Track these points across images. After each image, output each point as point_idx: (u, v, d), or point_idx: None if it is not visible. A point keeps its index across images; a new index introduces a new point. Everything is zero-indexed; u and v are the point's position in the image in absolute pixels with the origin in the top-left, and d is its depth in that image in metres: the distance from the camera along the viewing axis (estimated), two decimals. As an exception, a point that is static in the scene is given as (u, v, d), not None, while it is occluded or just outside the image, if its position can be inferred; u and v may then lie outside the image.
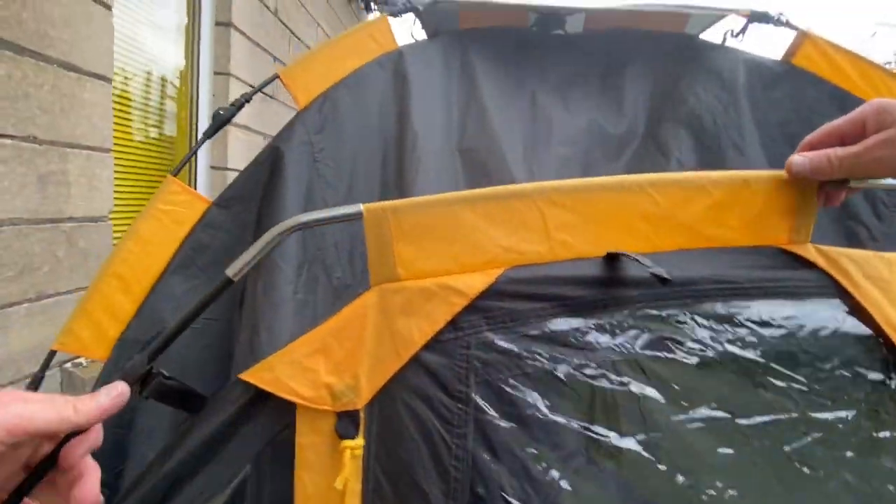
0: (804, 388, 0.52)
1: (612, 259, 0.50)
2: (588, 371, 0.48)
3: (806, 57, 1.06)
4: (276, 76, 0.94)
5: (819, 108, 1.03)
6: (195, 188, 1.81)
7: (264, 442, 0.47)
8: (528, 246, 0.49)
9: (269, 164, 0.88)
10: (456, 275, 0.46)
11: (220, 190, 1.87)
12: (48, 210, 1.11)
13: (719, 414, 0.49)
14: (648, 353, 0.49)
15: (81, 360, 1.24)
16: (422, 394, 0.44)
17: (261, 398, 0.44)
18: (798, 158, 0.46)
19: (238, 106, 0.90)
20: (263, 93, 2.09)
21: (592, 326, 0.49)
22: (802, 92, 1.05)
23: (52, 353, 0.75)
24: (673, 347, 0.51)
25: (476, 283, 0.45)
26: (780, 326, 0.53)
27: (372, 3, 3.27)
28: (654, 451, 0.48)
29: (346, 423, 0.43)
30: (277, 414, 0.45)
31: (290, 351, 0.45)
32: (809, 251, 0.51)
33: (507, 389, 0.47)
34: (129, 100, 1.51)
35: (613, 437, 0.48)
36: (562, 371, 0.48)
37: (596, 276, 0.49)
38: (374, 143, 1.02)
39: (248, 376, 0.44)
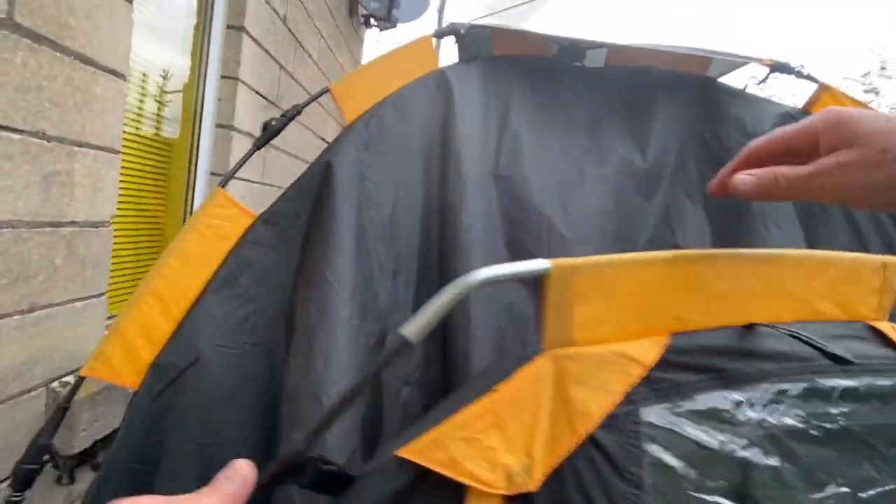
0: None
1: (748, 328, 0.50)
2: (739, 448, 0.47)
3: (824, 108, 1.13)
4: (327, 90, 0.90)
5: None
6: (194, 194, 1.71)
7: None
8: (690, 314, 0.47)
9: (320, 180, 0.84)
10: (627, 342, 0.44)
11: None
12: (49, 213, 1.01)
13: (844, 490, 0.49)
14: (786, 428, 0.49)
15: (69, 379, 1.12)
16: (596, 477, 0.40)
17: (421, 479, 0.38)
18: (743, 178, 0.40)
19: (289, 118, 0.85)
20: (266, 99, 2.02)
21: (743, 400, 0.48)
22: (821, 142, 1.12)
23: (81, 380, 0.67)
24: (805, 423, 0.50)
25: (649, 351, 0.43)
26: (884, 400, 0.54)
27: (371, 20, 3.26)
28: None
29: None
30: (441, 498, 0.39)
31: (464, 425, 0.39)
32: (887, 328, 0.55)
33: (677, 469, 0.44)
34: (131, 99, 1.41)
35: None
36: (719, 448, 0.46)
37: (743, 347, 0.49)
38: (416, 164, 1.00)
39: (414, 455, 0.38)
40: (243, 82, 1.77)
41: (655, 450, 0.44)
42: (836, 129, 0.38)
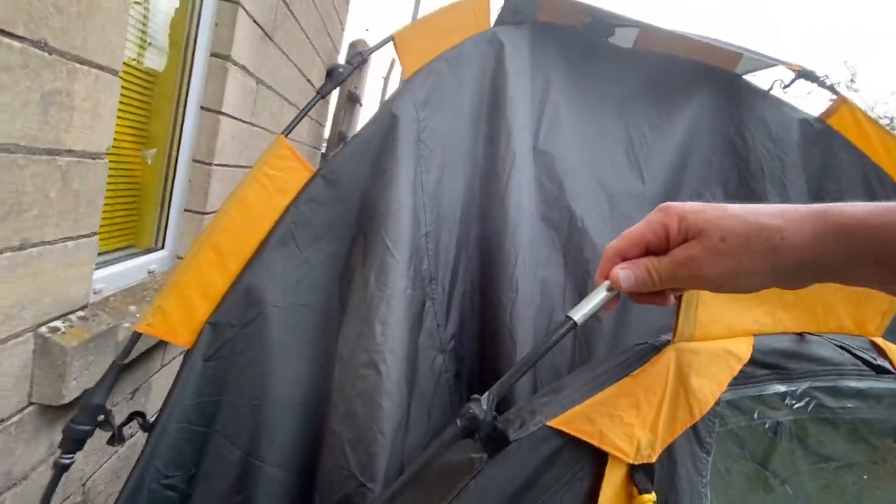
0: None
1: (801, 336, 0.60)
2: (774, 427, 0.59)
3: (841, 120, 1.20)
4: (391, 38, 0.84)
5: (845, 173, 1.18)
6: (182, 131, 1.55)
7: (562, 488, 0.44)
8: (765, 318, 0.57)
9: (383, 136, 0.79)
10: (729, 339, 0.50)
11: (208, 133, 1.64)
12: (47, 138, 0.88)
13: (836, 464, 0.64)
14: (809, 415, 0.61)
15: (58, 324, 1.02)
16: (688, 448, 0.48)
17: (569, 444, 0.42)
18: (623, 273, 0.41)
19: (355, 64, 0.78)
20: (262, 30, 1.85)
21: (787, 392, 0.59)
22: (834, 154, 1.19)
23: (137, 336, 0.61)
24: (823, 413, 0.63)
25: (745, 349, 0.52)
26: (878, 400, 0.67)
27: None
28: (798, 489, 0.60)
29: (642, 476, 0.44)
30: (580, 463, 0.43)
31: (607, 403, 0.45)
32: (883, 343, 0.66)
33: (732, 439, 0.51)
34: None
35: (771, 477, 0.58)
36: (762, 426, 0.56)
37: (798, 350, 0.60)
38: (464, 128, 0.96)
39: (565, 425, 0.44)
40: (243, 7, 1.59)
41: (725, 424, 0.55)
42: (680, 222, 0.39)
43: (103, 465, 1.38)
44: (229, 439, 0.67)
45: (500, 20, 1.07)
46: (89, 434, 0.61)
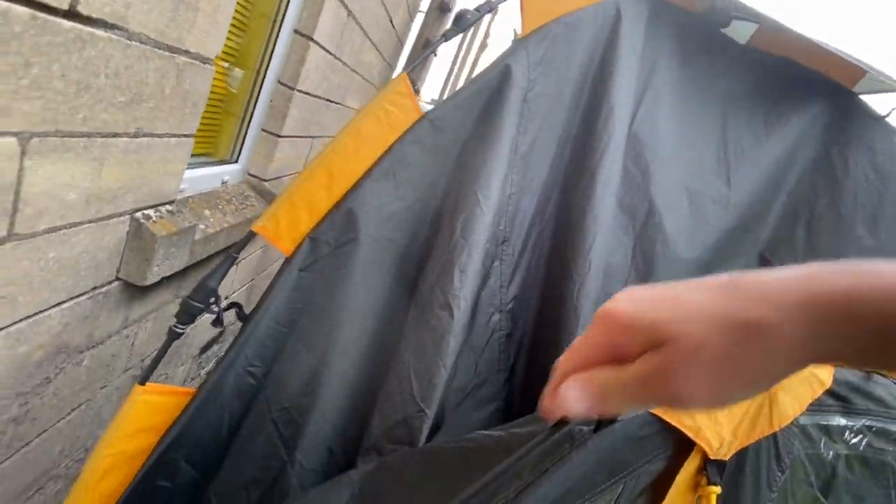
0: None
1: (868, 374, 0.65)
2: (834, 458, 0.62)
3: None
4: (519, -11, 0.82)
5: None
6: (272, 51, 1.58)
7: (642, 466, 0.48)
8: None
9: (495, 86, 0.79)
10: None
11: (296, 58, 1.67)
12: (172, 35, 0.92)
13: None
14: (859, 453, 0.64)
15: (151, 213, 1.10)
16: (765, 460, 0.52)
17: (664, 430, 0.47)
18: (573, 394, 0.32)
19: (483, 12, 0.78)
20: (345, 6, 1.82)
21: (848, 426, 0.62)
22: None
23: (252, 234, 0.66)
24: (870, 452, 0.66)
25: (827, 376, 0.54)
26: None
27: None
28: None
29: (714, 470, 0.48)
30: (664, 447, 0.48)
31: None
32: None
33: (803, 462, 0.54)
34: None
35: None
36: (826, 455, 0.58)
37: (864, 388, 0.62)
38: (566, 95, 0.96)
39: (669, 416, 0.48)
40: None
41: (797, 447, 0.56)
42: (631, 331, 0.31)
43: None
44: (306, 345, 0.73)
45: None
46: (201, 311, 0.68)
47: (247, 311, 0.77)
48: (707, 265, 1.05)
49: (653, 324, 0.30)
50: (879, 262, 0.28)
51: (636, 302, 0.31)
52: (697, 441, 0.48)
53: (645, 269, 1.01)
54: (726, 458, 0.50)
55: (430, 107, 0.79)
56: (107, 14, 0.74)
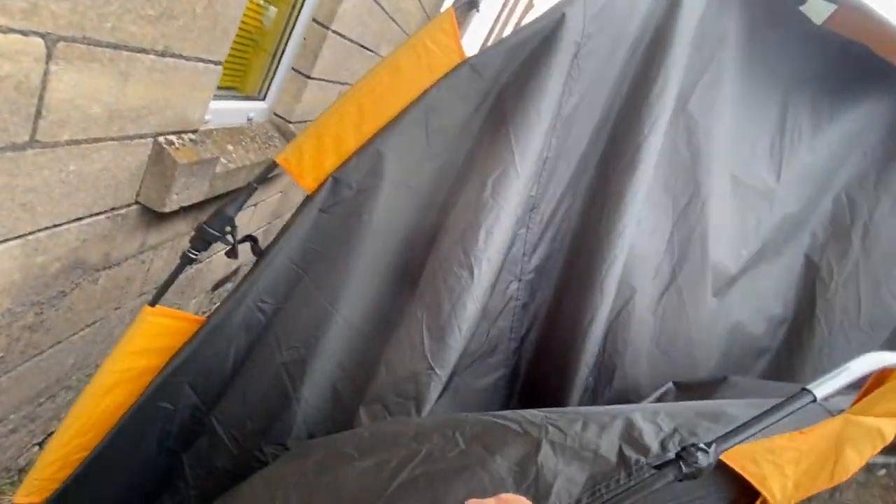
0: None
1: None
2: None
3: None
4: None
5: None
6: (290, 34, 1.51)
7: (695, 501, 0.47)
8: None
9: (546, 33, 0.73)
10: (880, 418, 0.52)
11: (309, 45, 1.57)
12: (208, -51, 0.87)
13: None
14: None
15: (174, 139, 1.08)
16: None
17: (724, 474, 0.47)
18: None
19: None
20: None
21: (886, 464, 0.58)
22: None
23: (274, 165, 0.63)
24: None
25: (890, 431, 0.53)
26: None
27: None
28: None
29: None
30: (722, 489, 0.48)
31: (775, 452, 0.48)
32: None
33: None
34: None
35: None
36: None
37: None
38: (619, 60, 0.89)
39: (733, 461, 0.47)
40: None
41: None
42: None
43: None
44: (317, 286, 0.72)
45: None
46: (216, 239, 0.66)
47: (261, 247, 0.76)
48: (746, 263, 1.00)
49: None
50: None
51: None
52: (762, 490, 0.48)
53: (680, 259, 0.96)
54: None
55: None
56: (141, -86, 0.70)
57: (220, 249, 0.79)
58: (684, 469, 0.43)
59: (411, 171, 0.73)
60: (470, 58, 0.71)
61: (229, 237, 0.67)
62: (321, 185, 0.68)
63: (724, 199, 1.01)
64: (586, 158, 0.92)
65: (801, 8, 1.07)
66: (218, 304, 2.13)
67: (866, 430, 0.51)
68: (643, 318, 0.90)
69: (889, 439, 0.53)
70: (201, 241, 0.66)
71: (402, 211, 0.74)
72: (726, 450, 0.46)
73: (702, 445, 0.44)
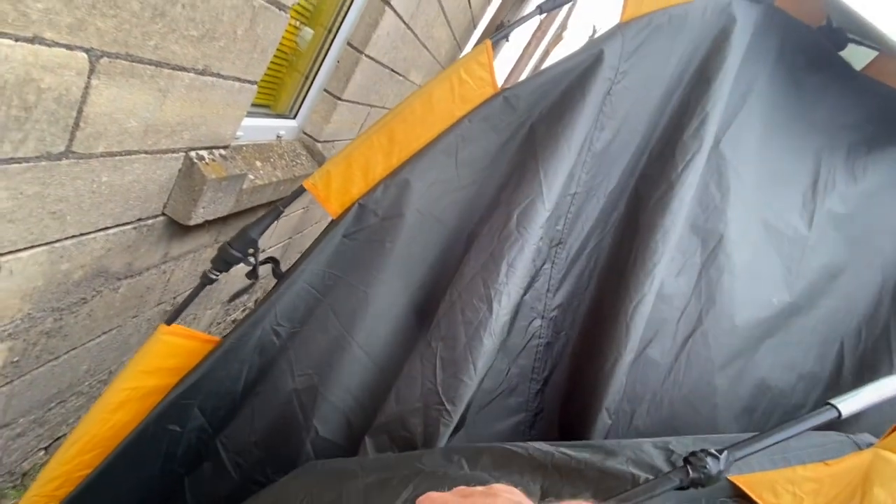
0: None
1: None
2: None
3: None
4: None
5: None
6: (347, 10, 1.55)
7: None
8: None
9: (582, 70, 0.72)
10: None
11: (369, 21, 1.61)
12: (253, -25, 0.89)
13: None
14: None
15: (205, 154, 1.10)
16: None
17: (739, 500, 0.45)
18: None
19: (583, -8, 0.70)
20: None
21: None
22: None
23: (301, 190, 0.63)
24: None
25: None
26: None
27: None
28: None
29: None
30: None
31: (795, 482, 0.46)
32: None
33: None
34: None
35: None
36: None
37: None
38: (656, 96, 0.87)
39: (749, 488, 0.44)
40: None
41: None
42: None
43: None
44: (336, 313, 0.70)
45: None
46: (238, 261, 0.66)
47: (281, 268, 0.75)
48: (778, 313, 0.95)
49: None
50: None
51: None
52: None
53: (707, 302, 0.92)
54: None
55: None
56: (193, -60, 0.72)
57: (240, 267, 0.78)
58: (691, 474, 0.39)
59: (437, 201, 0.71)
60: (504, 90, 0.71)
61: (251, 258, 0.66)
62: (346, 211, 0.67)
63: (755, 243, 0.97)
64: (617, 195, 0.90)
65: (841, 53, 1.05)
66: (233, 316, 2.13)
67: (894, 471, 0.48)
68: (666, 362, 0.85)
69: None
70: (223, 262, 0.65)
71: (426, 240, 0.72)
72: (739, 458, 0.42)
73: (713, 451, 0.41)
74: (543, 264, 0.86)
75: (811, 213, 1.04)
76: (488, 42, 0.64)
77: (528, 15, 0.68)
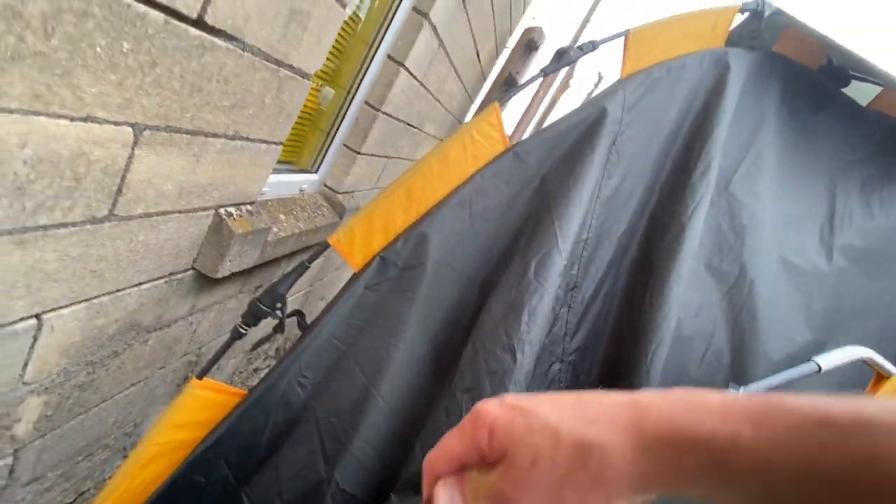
0: None
1: None
2: None
3: None
4: (626, 34, 0.80)
5: None
6: (365, 74, 1.66)
7: None
8: None
9: (587, 126, 0.76)
10: None
11: (385, 81, 1.70)
12: (280, 50, 0.98)
13: None
14: None
15: (233, 210, 1.16)
16: None
17: None
18: (444, 496, 0.31)
19: (585, 51, 0.76)
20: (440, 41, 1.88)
21: None
22: None
23: (326, 246, 0.67)
24: None
25: None
26: None
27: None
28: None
29: None
30: None
31: None
32: None
33: None
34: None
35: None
36: None
37: None
38: (659, 144, 0.90)
39: None
40: (455, -27, 1.64)
41: None
42: (488, 438, 0.30)
43: (217, 339, 1.57)
44: (359, 364, 0.72)
45: (733, 39, 0.98)
46: (266, 315, 0.69)
47: (306, 320, 0.77)
48: (801, 351, 0.93)
49: (506, 429, 0.30)
50: (718, 394, 0.27)
51: (504, 407, 0.31)
52: None
53: (736, 342, 0.91)
54: None
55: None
56: (228, 26, 0.80)
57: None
58: None
59: (453, 251, 0.74)
60: (514, 146, 0.75)
61: (278, 312, 0.69)
62: (368, 264, 0.70)
63: (774, 281, 0.96)
64: (628, 238, 0.91)
65: (845, 90, 1.07)
66: (255, 365, 2.14)
67: None
68: None
69: None
70: (252, 317, 0.68)
71: (443, 289, 0.75)
72: None
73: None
74: (560, 308, 0.87)
75: (829, 248, 1.04)
76: (496, 104, 0.69)
77: (532, 78, 0.74)
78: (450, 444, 0.32)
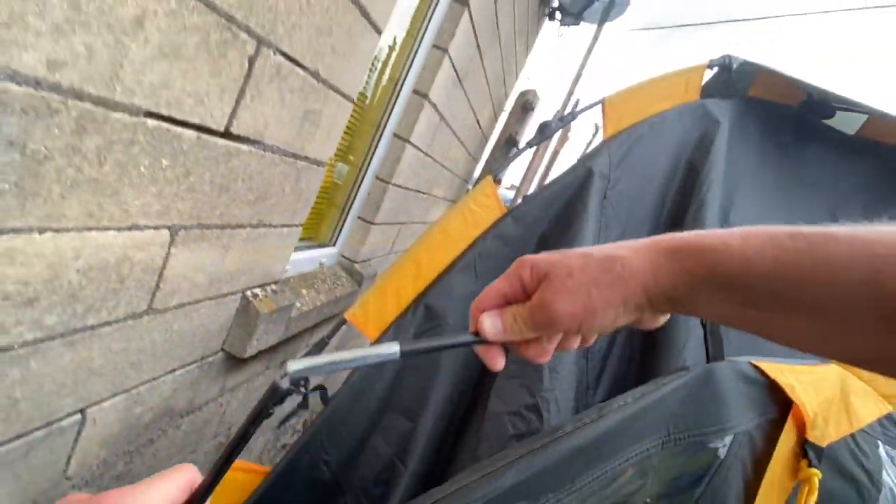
0: None
1: None
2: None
3: None
4: (602, 102, 0.87)
5: None
6: (375, 151, 1.79)
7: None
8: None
9: (577, 186, 0.82)
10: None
11: (393, 157, 1.82)
12: (296, 145, 1.09)
13: None
14: None
15: (258, 291, 1.23)
16: (853, 462, 0.54)
17: (760, 389, 0.52)
18: (488, 321, 0.40)
19: (566, 122, 0.84)
20: (458, 77, 2.04)
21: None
22: None
23: (343, 322, 0.72)
24: None
25: (885, 404, 0.60)
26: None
27: (557, 13, 3.19)
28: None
29: (812, 454, 0.49)
30: (764, 410, 0.51)
31: (795, 371, 0.53)
32: None
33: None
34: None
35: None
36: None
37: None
38: (653, 194, 0.95)
39: (770, 371, 0.52)
40: (449, 55, 1.80)
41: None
42: (529, 272, 0.39)
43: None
44: (384, 437, 0.73)
45: (708, 92, 1.05)
46: (290, 393, 0.72)
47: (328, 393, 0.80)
48: None
49: (546, 260, 0.39)
50: (726, 233, 0.35)
51: (542, 254, 0.40)
52: (792, 397, 0.50)
53: None
54: (823, 445, 0.49)
55: (509, 192, 0.82)
56: (250, 132, 0.91)
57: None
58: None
59: (464, 313, 0.78)
60: (511, 210, 0.80)
61: (302, 388, 0.72)
62: (383, 334, 0.74)
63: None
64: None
65: (830, 122, 1.12)
66: (283, 441, 2.13)
67: (864, 390, 0.57)
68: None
69: (887, 410, 0.60)
70: (276, 397, 0.71)
71: (459, 352, 0.77)
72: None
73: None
74: (580, 360, 0.88)
75: None
76: (489, 178, 0.76)
77: (521, 149, 0.81)
78: (494, 286, 0.41)
